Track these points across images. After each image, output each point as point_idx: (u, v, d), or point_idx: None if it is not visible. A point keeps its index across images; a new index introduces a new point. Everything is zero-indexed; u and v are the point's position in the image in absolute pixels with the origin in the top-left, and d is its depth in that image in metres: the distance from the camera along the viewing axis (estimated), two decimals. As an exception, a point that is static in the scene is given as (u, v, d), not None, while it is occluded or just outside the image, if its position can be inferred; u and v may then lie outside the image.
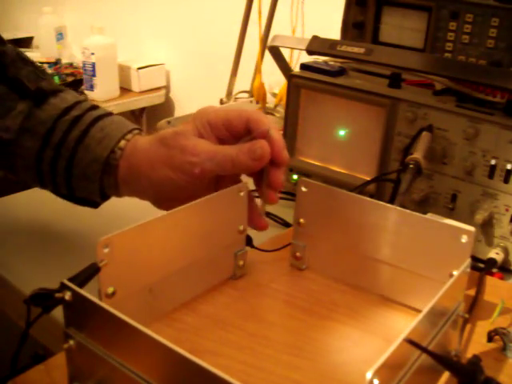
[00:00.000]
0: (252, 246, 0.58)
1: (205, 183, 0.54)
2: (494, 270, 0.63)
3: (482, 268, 0.60)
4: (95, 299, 0.36)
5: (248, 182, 0.56)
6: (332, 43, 0.73)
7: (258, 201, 0.57)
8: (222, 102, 1.24)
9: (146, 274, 0.47)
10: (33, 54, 2.11)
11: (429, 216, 0.54)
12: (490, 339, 0.49)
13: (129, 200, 0.59)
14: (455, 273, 0.43)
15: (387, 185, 0.70)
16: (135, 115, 2.04)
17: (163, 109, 2.07)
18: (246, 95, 1.26)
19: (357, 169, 0.75)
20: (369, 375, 0.31)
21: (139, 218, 0.46)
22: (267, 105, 1.17)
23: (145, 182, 0.55)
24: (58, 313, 0.38)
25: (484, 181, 0.65)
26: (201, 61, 1.93)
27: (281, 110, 1.13)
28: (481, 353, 0.47)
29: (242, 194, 0.54)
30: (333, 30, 0.88)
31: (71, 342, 0.38)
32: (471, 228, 0.48)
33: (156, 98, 2.02)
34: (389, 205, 0.52)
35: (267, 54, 0.84)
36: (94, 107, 0.61)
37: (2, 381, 0.42)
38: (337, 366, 0.46)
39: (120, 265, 0.44)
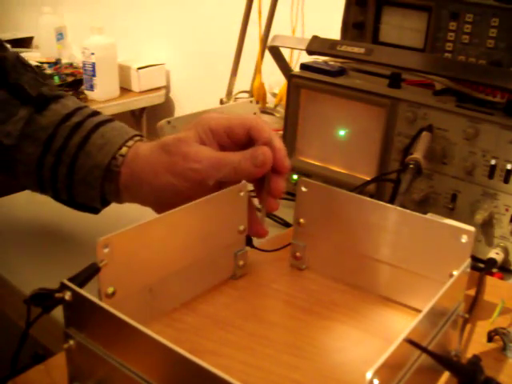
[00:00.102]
0: (252, 246, 0.58)
1: (206, 190, 0.54)
2: (494, 270, 0.63)
3: (482, 268, 0.60)
4: (95, 299, 0.36)
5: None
6: (332, 43, 0.73)
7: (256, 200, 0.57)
8: (222, 102, 1.24)
9: (146, 274, 0.47)
10: (33, 54, 2.11)
11: (429, 216, 0.54)
12: (490, 339, 0.49)
13: (129, 200, 0.59)
14: (455, 273, 0.43)
15: (387, 185, 0.70)
16: (135, 115, 2.04)
17: (163, 109, 2.07)
18: (246, 95, 1.26)
19: (357, 169, 0.75)
20: (369, 375, 0.31)
21: (139, 218, 0.46)
22: (267, 105, 1.17)
23: (146, 188, 0.55)
24: (58, 313, 0.38)
25: (484, 181, 0.65)
26: (201, 61, 1.93)
27: (281, 109, 1.13)
28: (481, 353, 0.47)
29: (242, 194, 0.54)
30: (333, 30, 0.88)
31: (71, 342, 0.38)
32: (471, 228, 0.48)
33: (156, 98, 2.02)
34: (389, 205, 0.52)
35: (267, 54, 0.84)
36: (95, 113, 0.61)
37: (2, 381, 0.42)
38: (336, 366, 0.46)
39: (120, 265, 0.44)
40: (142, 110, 2.03)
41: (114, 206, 0.62)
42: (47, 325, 0.47)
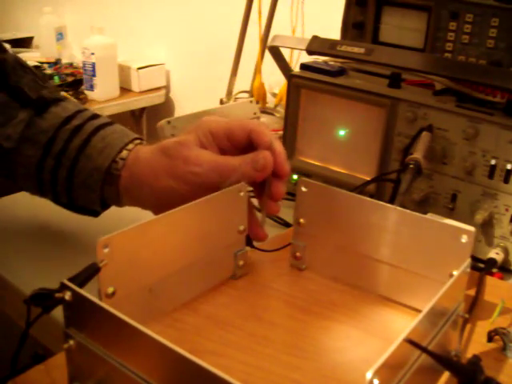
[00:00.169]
0: (252, 246, 0.58)
1: (206, 193, 0.54)
2: (494, 270, 0.63)
3: (482, 268, 0.60)
4: (95, 299, 0.36)
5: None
6: (332, 43, 0.73)
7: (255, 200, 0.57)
8: (222, 102, 1.24)
9: (146, 274, 0.47)
10: (33, 54, 2.11)
11: (429, 216, 0.54)
12: (490, 339, 0.49)
13: (129, 200, 0.59)
14: (455, 273, 0.43)
15: (387, 185, 0.70)
16: (135, 115, 2.04)
17: (163, 109, 2.07)
18: (246, 95, 1.26)
19: (357, 169, 0.75)
20: (369, 375, 0.31)
21: (139, 218, 0.46)
22: (267, 105, 1.17)
23: (147, 191, 0.55)
24: (58, 313, 0.38)
25: (484, 181, 0.65)
26: (201, 61, 1.93)
27: (281, 109, 1.13)
28: (481, 353, 0.47)
29: (241, 194, 0.54)
30: (333, 30, 0.88)
31: (71, 342, 0.38)
32: (471, 228, 0.48)
33: (156, 98, 2.02)
34: (389, 205, 0.52)
35: (267, 54, 0.84)
36: (95, 116, 0.61)
37: (2, 381, 0.42)
38: (336, 366, 0.46)
39: (120, 265, 0.44)
40: (142, 110, 2.03)
41: (114, 207, 0.62)
42: (47, 325, 0.47)
